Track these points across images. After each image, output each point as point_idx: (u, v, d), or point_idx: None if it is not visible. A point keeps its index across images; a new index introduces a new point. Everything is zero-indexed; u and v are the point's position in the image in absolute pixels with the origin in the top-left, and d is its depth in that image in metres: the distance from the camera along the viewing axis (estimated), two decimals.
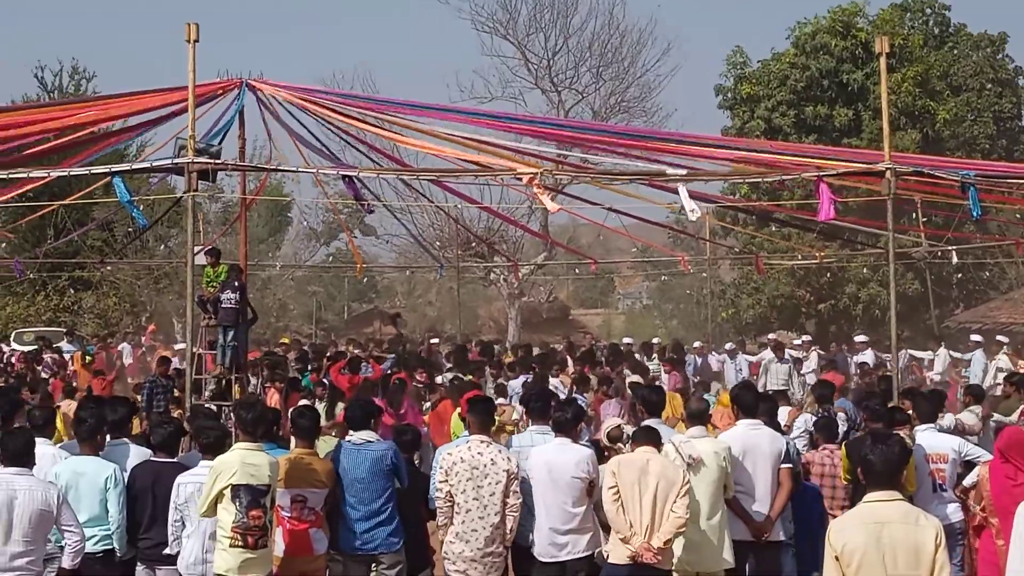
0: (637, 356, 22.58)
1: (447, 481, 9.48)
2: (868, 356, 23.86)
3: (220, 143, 14.55)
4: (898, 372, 13.65)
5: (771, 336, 26.68)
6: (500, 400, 15.57)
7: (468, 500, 9.44)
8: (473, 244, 39.60)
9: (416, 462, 11.44)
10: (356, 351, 24.46)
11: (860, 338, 25.63)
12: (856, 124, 35.46)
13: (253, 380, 18.28)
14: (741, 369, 24.77)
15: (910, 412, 11.67)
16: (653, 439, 9.43)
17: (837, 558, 6.42)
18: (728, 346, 26.94)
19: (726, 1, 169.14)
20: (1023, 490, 8.71)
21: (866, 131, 34.56)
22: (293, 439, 10.52)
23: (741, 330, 37.15)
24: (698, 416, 10.18)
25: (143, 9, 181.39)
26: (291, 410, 11.94)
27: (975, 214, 13.03)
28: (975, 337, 23.91)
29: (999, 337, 24.26)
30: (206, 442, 9.49)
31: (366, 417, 10.03)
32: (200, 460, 9.43)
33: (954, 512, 10.57)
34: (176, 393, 17.74)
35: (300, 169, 15.36)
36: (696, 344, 27.58)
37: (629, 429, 11.17)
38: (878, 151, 14.45)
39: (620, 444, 10.91)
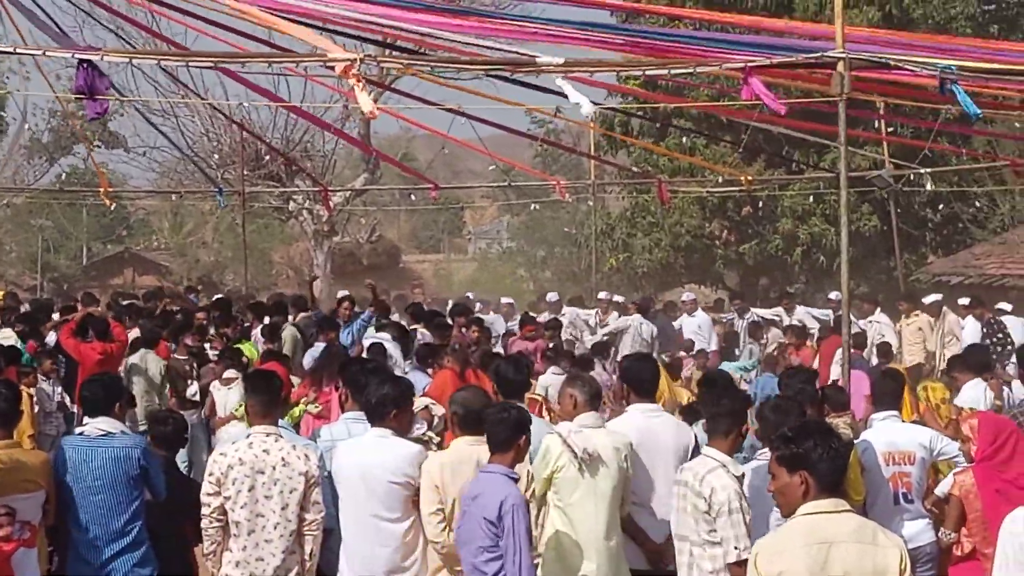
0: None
1: (219, 492, 9.31)
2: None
3: None
4: (848, 339, 13.77)
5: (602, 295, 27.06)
6: None
7: (251, 517, 9.28)
8: (265, 160, 39.04)
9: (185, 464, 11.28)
10: (94, 308, 23.67)
11: (686, 297, 26.57)
12: None
13: None
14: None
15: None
16: (472, 426, 9.33)
17: None
18: (551, 297, 27.30)
19: None
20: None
21: (799, 3, 34.22)
22: None
23: (635, 282, 37.16)
24: (597, 399, 10.10)
25: None
26: None
27: (973, 113, 12.69)
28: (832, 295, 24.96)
29: (961, 300, 24.45)
30: None
31: (108, 399, 9.81)
32: None
33: (923, 532, 10.49)
34: None
35: (19, 50, 14.93)
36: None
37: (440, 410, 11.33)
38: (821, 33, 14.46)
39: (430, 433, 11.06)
